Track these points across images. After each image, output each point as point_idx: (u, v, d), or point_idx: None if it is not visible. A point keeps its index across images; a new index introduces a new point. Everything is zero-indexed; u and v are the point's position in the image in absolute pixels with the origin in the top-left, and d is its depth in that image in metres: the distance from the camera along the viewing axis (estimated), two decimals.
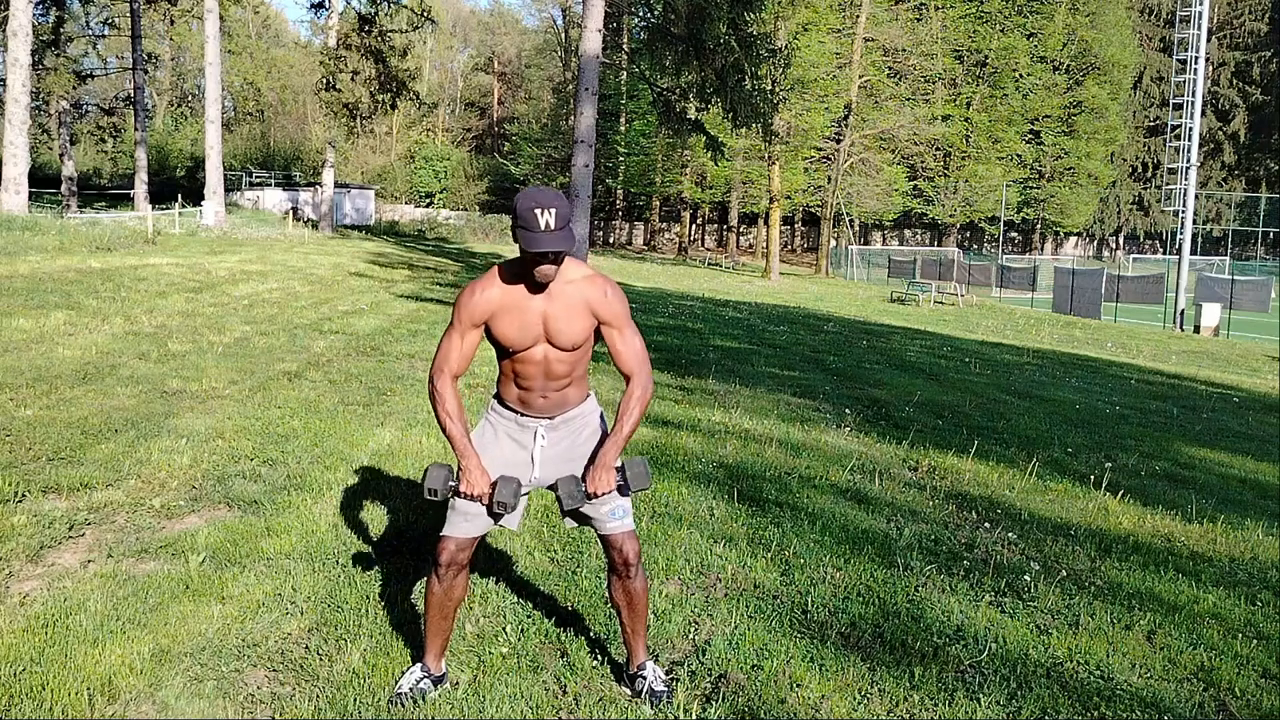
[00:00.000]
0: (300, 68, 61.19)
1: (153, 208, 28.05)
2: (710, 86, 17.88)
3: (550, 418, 2.80)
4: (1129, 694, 3.04)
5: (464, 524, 2.75)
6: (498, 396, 2.86)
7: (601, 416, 2.93)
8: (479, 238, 47.36)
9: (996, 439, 6.94)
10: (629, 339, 2.72)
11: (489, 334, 2.71)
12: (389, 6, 31.61)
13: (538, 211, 2.47)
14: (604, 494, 2.67)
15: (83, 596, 3.35)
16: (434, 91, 68.57)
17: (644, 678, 2.88)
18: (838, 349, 12.54)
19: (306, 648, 3.08)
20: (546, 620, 3.33)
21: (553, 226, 2.48)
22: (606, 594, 3.08)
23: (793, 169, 44.11)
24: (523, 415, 2.79)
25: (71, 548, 3.84)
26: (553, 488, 2.78)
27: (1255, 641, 3.48)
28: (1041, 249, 63.67)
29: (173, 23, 46.80)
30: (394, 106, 32.10)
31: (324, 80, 30.92)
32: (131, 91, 37.32)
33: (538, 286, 2.63)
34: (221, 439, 5.51)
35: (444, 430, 2.69)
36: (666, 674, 2.98)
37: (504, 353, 2.73)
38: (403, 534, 4.12)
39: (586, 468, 2.76)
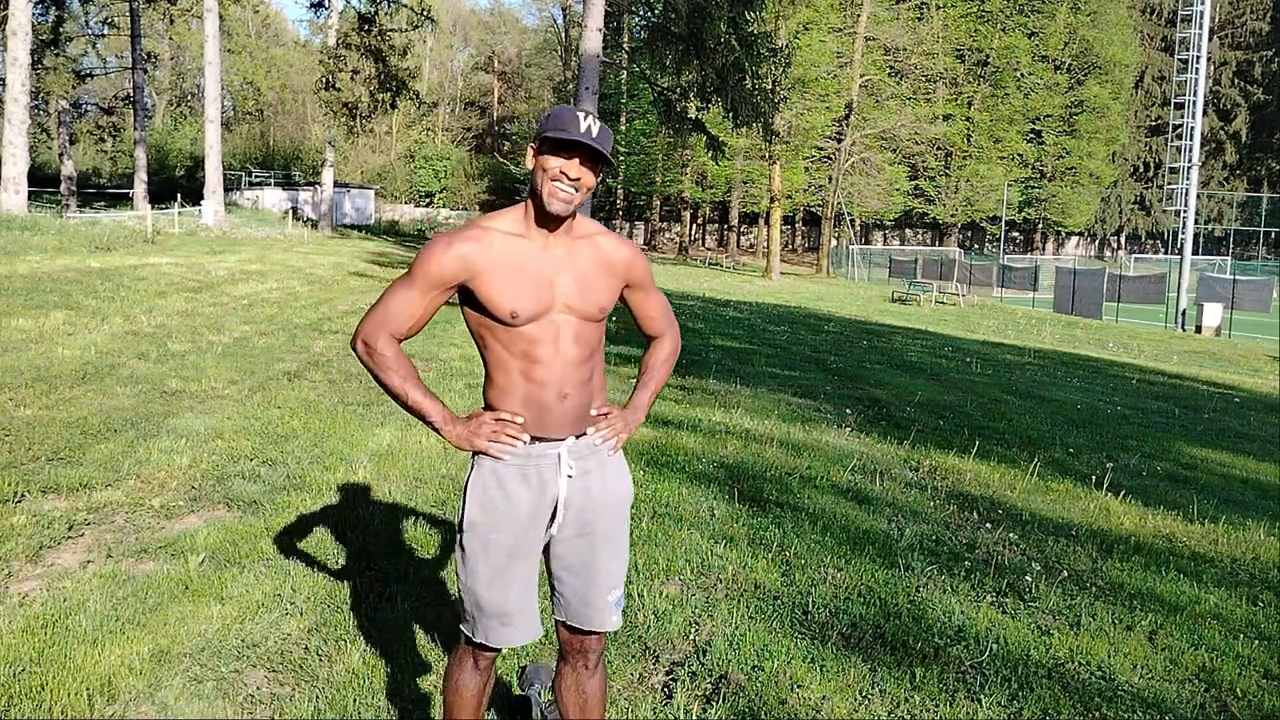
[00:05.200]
0: (300, 67, 61.15)
1: (152, 207, 28.04)
2: (710, 86, 17.86)
3: (576, 436, 2.12)
4: (1130, 694, 3.03)
5: (502, 630, 2.15)
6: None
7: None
8: None
9: (998, 439, 6.93)
10: (659, 299, 2.34)
11: (476, 306, 2.06)
12: (389, 6, 31.57)
13: (581, 115, 2.00)
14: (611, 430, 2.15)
15: (82, 596, 3.34)
16: (434, 91, 68.52)
17: None
18: (838, 349, 12.53)
19: (306, 648, 3.07)
20: (548, 621, 3.32)
21: (594, 133, 1.98)
22: (552, 692, 2.39)
23: (793, 168, 44.09)
24: (534, 441, 2.08)
25: (71, 548, 3.83)
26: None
27: (1257, 642, 3.47)
28: (1043, 249, 63.65)
29: (172, 22, 46.85)
30: (394, 106, 32.07)
31: (324, 80, 30.90)
32: (131, 91, 37.31)
33: (543, 236, 2.08)
34: (221, 439, 5.50)
35: (398, 396, 2.06)
36: (667, 674, 2.97)
37: (502, 330, 2.05)
38: (403, 534, 4.12)
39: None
